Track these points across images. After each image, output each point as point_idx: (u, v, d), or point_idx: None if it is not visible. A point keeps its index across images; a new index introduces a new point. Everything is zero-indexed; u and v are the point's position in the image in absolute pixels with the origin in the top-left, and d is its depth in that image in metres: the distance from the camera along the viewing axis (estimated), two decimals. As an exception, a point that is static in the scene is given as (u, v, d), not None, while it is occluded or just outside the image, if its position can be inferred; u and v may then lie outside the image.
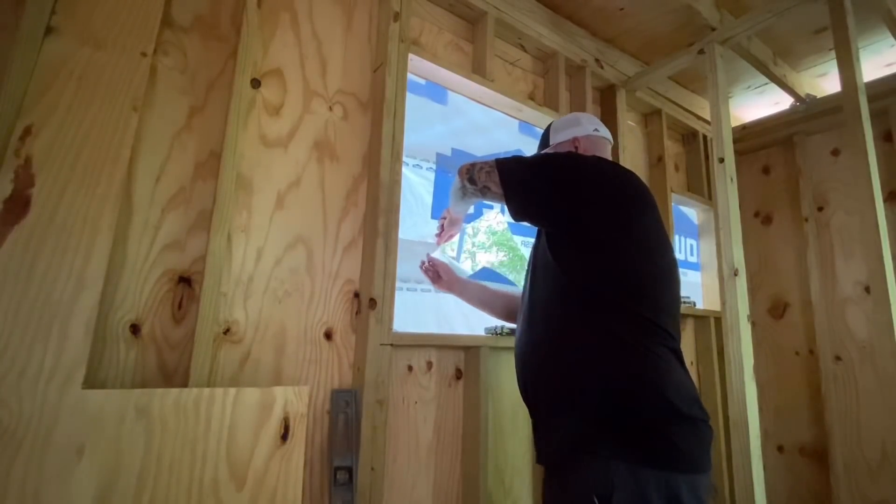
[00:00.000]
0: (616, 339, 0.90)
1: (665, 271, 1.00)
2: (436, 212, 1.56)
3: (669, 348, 0.93)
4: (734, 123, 2.28)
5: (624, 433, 0.84)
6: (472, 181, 1.11)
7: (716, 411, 2.11)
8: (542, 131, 1.89)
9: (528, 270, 1.14)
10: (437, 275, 1.42)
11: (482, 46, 1.64)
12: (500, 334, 1.47)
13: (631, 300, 0.92)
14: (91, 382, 0.86)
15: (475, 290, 1.43)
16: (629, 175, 1.09)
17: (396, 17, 1.38)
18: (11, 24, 0.86)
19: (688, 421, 0.85)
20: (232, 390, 0.93)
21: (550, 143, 1.28)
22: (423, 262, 1.44)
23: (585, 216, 0.98)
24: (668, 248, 1.04)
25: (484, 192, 1.10)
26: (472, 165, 1.12)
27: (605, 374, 0.89)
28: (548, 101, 1.88)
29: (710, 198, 2.38)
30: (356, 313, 1.24)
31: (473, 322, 1.57)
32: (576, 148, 1.22)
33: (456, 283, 1.42)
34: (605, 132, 1.27)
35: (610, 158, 1.25)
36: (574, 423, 0.89)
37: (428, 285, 1.49)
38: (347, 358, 1.21)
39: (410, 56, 1.41)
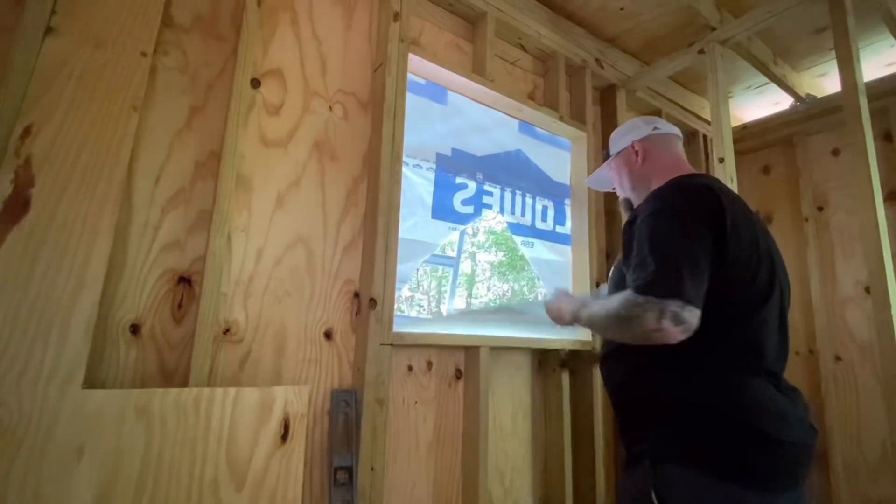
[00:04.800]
0: (694, 364, 0.88)
1: (754, 292, 0.92)
2: (435, 212, 1.55)
3: (750, 370, 0.88)
4: (734, 123, 2.28)
5: (693, 445, 0.84)
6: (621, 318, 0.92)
7: (716, 411, 2.11)
8: (542, 131, 1.91)
9: (613, 289, 1.04)
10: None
11: (482, 46, 1.64)
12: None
13: (715, 326, 0.87)
14: (91, 382, 0.86)
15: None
16: (703, 198, 0.93)
17: (396, 16, 1.37)
18: (11, 24, 0.86)
19: (770, 440, 0.82)
20: (232, 390, 0.93)
21: (611, 153, 1.20)
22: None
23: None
24: (760, 265, 0.94)
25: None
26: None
27: (678, 393, 0.89)
28: (548, 100, 1.88)
29: (710, 198, 2.38)
30: (356, 313, 1.24)
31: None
32: (636, 153, 1.12)
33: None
34: (667, 128, 1.16)
35: (677, 154, 1.13)
36: (647, 432, 0.90)
37: None
38: (347, 358, 1.21)
39: (410, 56, 1.41)
